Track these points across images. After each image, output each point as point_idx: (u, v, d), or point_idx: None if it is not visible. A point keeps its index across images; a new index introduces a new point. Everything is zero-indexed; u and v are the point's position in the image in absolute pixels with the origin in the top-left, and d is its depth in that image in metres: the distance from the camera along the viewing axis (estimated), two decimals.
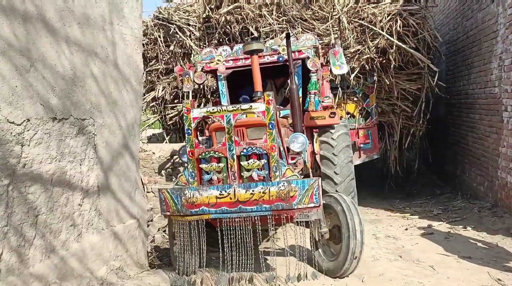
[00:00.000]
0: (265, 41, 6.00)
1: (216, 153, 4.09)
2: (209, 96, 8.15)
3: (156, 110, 8.93)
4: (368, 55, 7.46)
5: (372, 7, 7.65)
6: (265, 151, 4.03)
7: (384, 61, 7.59)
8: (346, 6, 7.61)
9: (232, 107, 4.07)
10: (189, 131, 4.14)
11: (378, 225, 6.41)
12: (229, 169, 4.04)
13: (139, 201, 4.66)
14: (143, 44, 8.88)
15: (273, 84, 6.14)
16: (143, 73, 4.75)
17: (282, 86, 6.18)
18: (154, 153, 7.32)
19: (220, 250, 4.00)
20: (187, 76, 5.71)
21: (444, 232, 5.84)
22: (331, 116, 5.43)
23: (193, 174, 4.15)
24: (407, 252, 5.16)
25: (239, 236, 3.95)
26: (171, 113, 8.67)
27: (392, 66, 7.56)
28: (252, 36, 7.64)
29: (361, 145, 7.89)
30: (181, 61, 8.27)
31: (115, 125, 4.13)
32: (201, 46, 7.91)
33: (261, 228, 4.01)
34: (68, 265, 3.42)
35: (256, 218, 3.96)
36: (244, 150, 4.05)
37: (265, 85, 5.89)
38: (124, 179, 4.32)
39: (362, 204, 7.40)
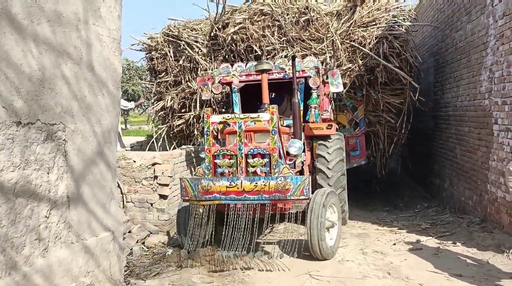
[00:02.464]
0: (274, 61, 6.93)
1: (229, 151, 5.21)
2: (214, 107, 8.77)
3: (164, 119, 9.54)
4: (358, 72, 8.36)
5: (362, 30, 8.54)
6: (267, 152, 5.13)
7: (372, 77, 8.48)
8: (339, 29, 8.51)
9: (244, 115, 5.23)
10: (207, 132, 5.27)
11: (365, 240, 6.20)
12: (238, 165, 5.13)
13: (115, 212, 4.38)
14: (152, 58, 9.58)
15: (288, 98, 6.97)
16: (121, 77, 4.50)
17: None
18: (135, 161, 7.04)
19: (224, 231, 5.01)
20: (206, 86, 6.81)
21: (433, 248, 5.65)
22: (328, 127, 6.49)
23: (209, 167, 5.25)
24: (396, 269, 4.95)
25: (243, 220, 4.93)
26: (178, 121, 9.23)
27: (379, 82, 8.47)
28: (255, 54, 8.51)
29: (350, 152, 8.54)
30: (189, 75, 9.05)
31: (88, 131, 3.87)
32: (208, 61, 8.85)
33: (260, 216, 5.06)
34: (32, 283, 3.14)
35: (257, 205, 5.02)
36: (251, 150, 5.17)
37: (281, 99, 7.03)
38: (98, 188, 4.05)
39: (349, 218, 7.21)
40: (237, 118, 5.17)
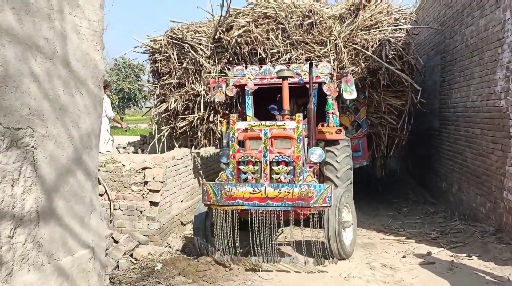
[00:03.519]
0: (289, 65, 7.12)
1: (253, 158, 5.28)
2: (218, 108, 8.95)
3: (167, 121, 9.59)
4: (361, 75, 8.38)
5: (364, 33, 8.57)
6: (292, 160, 5.23)
7: (374, 80, 8.52)
8: (343, 33, 8.55)
9: (269, 123, 5.38)
10: (233, 138, 5.35)
11: (372, 251, 5.74)
12: (262, 171, 5.22)
13: (96, 226, 3.90)
14: (156, 60, 9.59)
15: (294, 103, 7.09)
16: (104, 75, 4.02)
17: (302, 105, 7.25)
18: (124, 165, 6.58)
19: (250, 237, 5.10)
20: (219, 88, 6.85)
21: (446, 262, 5.21)
22: (338, 132, 6.55)
23: (232, 173, 5.33)
24: None
25: (265, 226, 5.03)
26: (182, 123, 9.27)
27: (381, 85, 8.50)
28: (260, 57, 8.59)
29: (353, 153, 8.38)
30: (193, 77, 9.12)
31: (63, 136, 3.39)
32: (212, 64, 8.92)
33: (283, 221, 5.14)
34: None
35: (280, 212, 5.07)
36: (276, 157, 5.26)
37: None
38: (75, 201, 3.57)
39: None
40: (263, 125, 5.30)
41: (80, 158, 3.62)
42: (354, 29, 8.51)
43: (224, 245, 5.23)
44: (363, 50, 8.39)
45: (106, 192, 6.32)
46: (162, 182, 6.29)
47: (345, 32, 8.52)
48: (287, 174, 5.20)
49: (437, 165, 9.47)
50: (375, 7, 8.91)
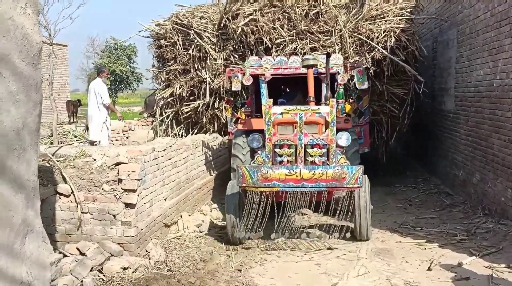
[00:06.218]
0: (302, 56, 7.27)
1: (289, 141, 5.51)
2: (224, 97, 8.90)
3: (172, 106, 9.74)
4: (365, 65, 8.20)
5: (370, 23, 8.61)
6: (326, 143, 5.53)
7: (378, 70, 8.59)
8: (348, 23, 8.60)
9: (304, 107, 5.68)
10: (269, 122, 5.55)
11: (389, 261, 4.80)
12: (297, 154, 5.46)
13: (33, 252, 2.94)
14: (161, 46, 9.62)
15: (301, 94, 7.16)
16: (40, 50, 2.99)
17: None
18: (95, 160, 5.58)
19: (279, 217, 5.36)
20: (236, 78, 6.99)
21: (483, 276, 4.29)
22: (346, 121, 6.66)
23: (269, 155, 5.57)
24: None
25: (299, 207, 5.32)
26: (187, 109, 9.43)
27: (385, 75, 8.59)
28: (265, 46, 8.67)
29: None
30: (198, 64, 9.25)
31: None
32: (217, 51, 9.03)
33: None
34: None
35: (313, 192, 5.29)
36: (310, 141, 5.53)
37: (295, 96, 7.42)
38: None
39: None
40: (298, 109, 5.54)
41: (2, 165, 2.63)
42: (360, 19, 8.56)
43: (251, 225, 5.44)
44: (368, 41, 8.46)
45: (72, 192, 5.34)
46: (139, 179, 5.30)
47: (351, 22, 8.57)
48: (321, 157, 5.48)
49: (452, 151, 8.51)
50: None
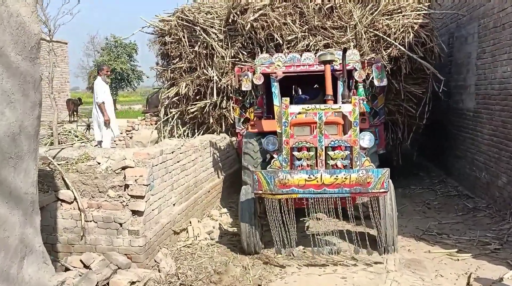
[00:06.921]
0: (318, 52, 6.98)
1: (308, 143, 5.06)
2: (231, 95, 8.63)
3: (177, 105, 9.42)
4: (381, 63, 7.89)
5: (386, 18, 8.22)
6: (349, 144, 5.03)
7: (395, 68, 8.23)
8: (364, 18, 8.20)
9: (324, 106, 5.14)
10: (286, 123, 5.08)
11: (422, 274, 4.42)
12: (317, 157, 5.02)
13: (33, 276, 2.54)
14: (165, 43, 9.21)
15: (323, 93, 6.65)
16: (39, 42, 2.59)
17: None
18: (99, 163, 5.20)
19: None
20: (246, 76, 6.57)
21: None
22: (363, 121, 6.20)
23: (286, 159, 5.09)
24: None
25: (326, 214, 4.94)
26: (193, 108, 9.08)
27: (402, 73, 8.20)
28: (276, 42, 8.26)
29: None
30: (205, 61, 8.85)
31: None
32: (224, 48, 8.66)
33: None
34: None
35: (337, 198, 4.90)
36: (332, 142, 5.05)
37: (317, 93, 7.04)
38: None
39: None
40: (318, 109, 5.05)
41: None
42: (376, 14, 8.14)
43: (279, 238, 5.08)
44: (385, 37, 8.10)
45: (75, 199, 4.95)
46: (147, 185, 4.92)
47: (366, 17, 8.17)
48: (344, 160, 5.02)
49: (472, 152, 8.11)
50: None
